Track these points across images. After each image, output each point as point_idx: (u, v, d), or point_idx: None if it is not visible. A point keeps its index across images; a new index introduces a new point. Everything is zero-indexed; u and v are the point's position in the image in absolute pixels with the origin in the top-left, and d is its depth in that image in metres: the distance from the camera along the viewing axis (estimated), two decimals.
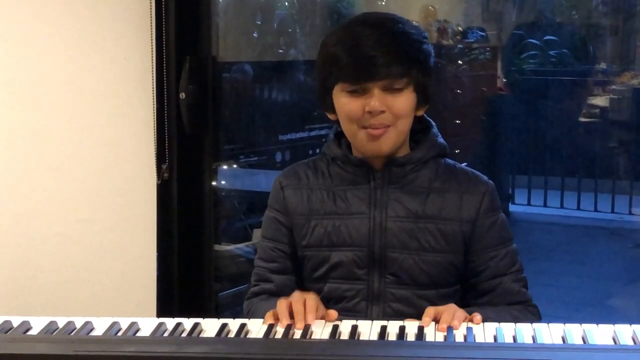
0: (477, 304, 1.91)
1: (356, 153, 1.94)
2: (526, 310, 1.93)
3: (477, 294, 1.94)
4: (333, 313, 1.76)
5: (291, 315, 1.73)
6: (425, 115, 1.98)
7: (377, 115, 1.83)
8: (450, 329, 1.67)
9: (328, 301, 1.90)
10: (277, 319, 1.74)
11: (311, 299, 1.77)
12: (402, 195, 1.91)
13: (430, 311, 1.73)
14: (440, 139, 1.98)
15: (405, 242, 1.89)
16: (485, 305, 1.89)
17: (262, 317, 1.78)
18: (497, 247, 1.93)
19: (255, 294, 2.02)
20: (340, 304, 1.91)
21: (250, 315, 1.96)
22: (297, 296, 1.78)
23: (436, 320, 1.71)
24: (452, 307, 1.74)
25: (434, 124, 2.00)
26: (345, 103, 1.86)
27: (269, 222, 2.02)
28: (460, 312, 1.73)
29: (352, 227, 1.91)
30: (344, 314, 1.84)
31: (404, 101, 1.85)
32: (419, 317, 1.76)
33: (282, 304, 1.75)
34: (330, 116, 1.96)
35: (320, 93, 1.94)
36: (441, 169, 1.95)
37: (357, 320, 1.74)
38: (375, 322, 1.72)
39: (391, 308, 1.90)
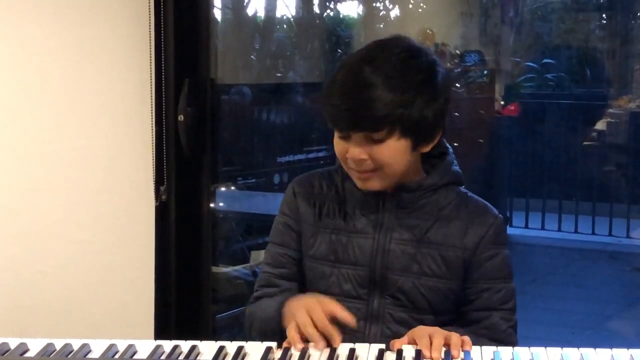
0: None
1: None
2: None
3: (463, 323, 1.91)
4: (348, 317, 1.75)
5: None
6: (444, 140, 1.95)
7: (358, 162, 1.82)
8: (448, 351, 1.66)
9: None
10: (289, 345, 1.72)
11: (322, 308, 1.74)
12: (410, 219, 1.90)
13: (424, 332, 1.71)
14: (456, 167, 1.95)
15: (406, 265, 1.89)
16: (463, 330, 1.83)
17: (268, 313, 1.85)
18: (493, 280, 1.90)
19: (257, 299, 2.01)
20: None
21: (253, 319, 1.96)
22: (304, 315, 1.75)
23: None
24: (439, 330, 1.72)
25: (451, 150, 1.96)
26: (335, 144, 1.87)
27: (279, 227, 2.01)
28: (456, 337, 1.70)
29: (357, 246, 1.91)
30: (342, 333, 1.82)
31: (387, 150, 1.81)
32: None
33: (291, 330, 1.74)
34: None
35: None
36: (452, 197, 1.93)
37: (355, 343, 1.73)
38: (372, 345, 1.71)
39: (389, 329, 1.89)
